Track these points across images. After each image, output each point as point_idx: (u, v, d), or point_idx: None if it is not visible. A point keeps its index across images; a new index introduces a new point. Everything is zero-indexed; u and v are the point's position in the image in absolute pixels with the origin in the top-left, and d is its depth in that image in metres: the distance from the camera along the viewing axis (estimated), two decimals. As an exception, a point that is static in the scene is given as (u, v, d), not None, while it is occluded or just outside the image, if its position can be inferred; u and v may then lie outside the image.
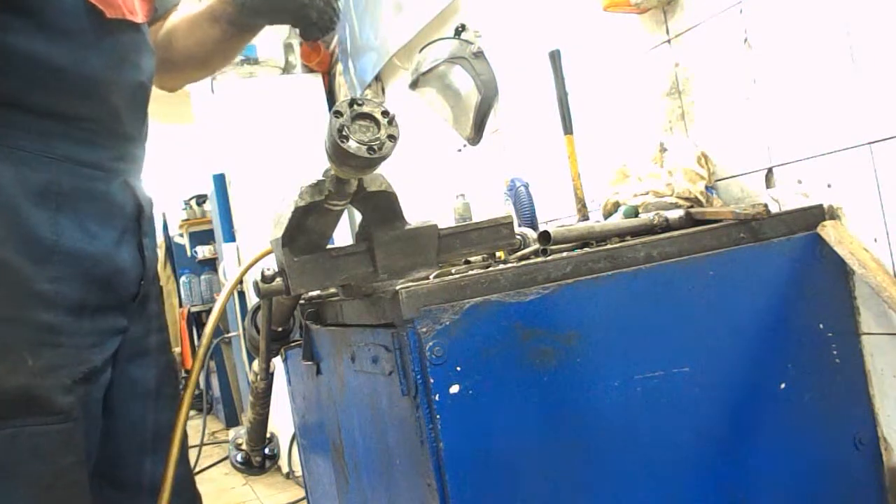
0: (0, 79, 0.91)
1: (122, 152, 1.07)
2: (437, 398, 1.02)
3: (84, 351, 0.97)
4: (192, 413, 1.17)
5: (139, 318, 1.10)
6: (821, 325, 1.25)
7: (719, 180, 1.54)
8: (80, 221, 0.97)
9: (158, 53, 1.22)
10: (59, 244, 0.94)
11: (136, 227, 1.08)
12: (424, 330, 1.03)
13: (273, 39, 4.03)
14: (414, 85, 2.37)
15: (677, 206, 1.40)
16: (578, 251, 1.22)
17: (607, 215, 1.53)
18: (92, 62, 0.99)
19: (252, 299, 2.93)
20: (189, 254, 6.16)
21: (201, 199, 6.06)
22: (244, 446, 1.61)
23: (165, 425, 1.10)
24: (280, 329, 1.53)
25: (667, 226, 1.35)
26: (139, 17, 1.09)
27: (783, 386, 1.21)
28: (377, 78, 3.32)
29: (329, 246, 1.15)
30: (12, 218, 0.90)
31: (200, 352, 1.20)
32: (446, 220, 2.23)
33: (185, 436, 1.16)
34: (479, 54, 2.30)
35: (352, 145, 0.96)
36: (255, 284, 1.11)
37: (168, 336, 1.19)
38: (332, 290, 1.38)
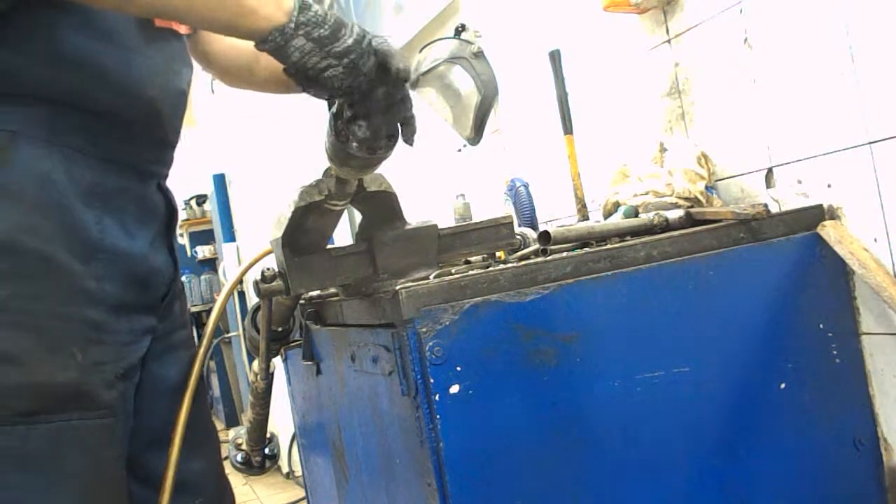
0: (50, 75, 0.93)
1: (160, 156, 1.10)
2: (437, 398, 1.02)
3: (123, 348, 0.99)
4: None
5: (166, 317, 1.12)
6: (821, 325, 1.25)
7: (719, 180, 1.54)
8: (122, 222, 1.00)
9: (238, 65, 1.30)
10: (104, 243, 0.96)
11: (167, 229, 1.11)
12: (424, 330, 1.03)
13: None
14: (414, 85, 2.37)
15: (677, 206, 1.40)
16: (578, 251, 1.22)
17: (607, 215, 1.53)
18: (139, 66, 1.01)
19: (252, 299, 2.93)
20: (189, 254, 6.16)
21: (201, 199, 6.06)
22: (244, 446, 1.61)
23: (190, 422, 1.12)
24: (280, 329, 1.53)
25: (667, 226, 1.35)
26: (182, 29, 1.13)
27: (783, 386, 1.21)
28: (377, 78, 3.31)
29: (329, 246, 1.15)
30: (63, 216, 0.92)
31: (200, 352, 1.20)
32: (446, 220, 2.23)
33: (208, 431, 1.20)
34: (479, 54, 2.30)
35: (352, 145, 0.96)
36: (255, 284, 1.11)
37: (191, 332, 1.21)
38: (332, 290, 1.38)
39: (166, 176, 1.13)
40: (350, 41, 0.89)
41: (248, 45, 1.29)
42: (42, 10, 0.92)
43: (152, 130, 1.06)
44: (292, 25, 0.87)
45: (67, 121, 0.94)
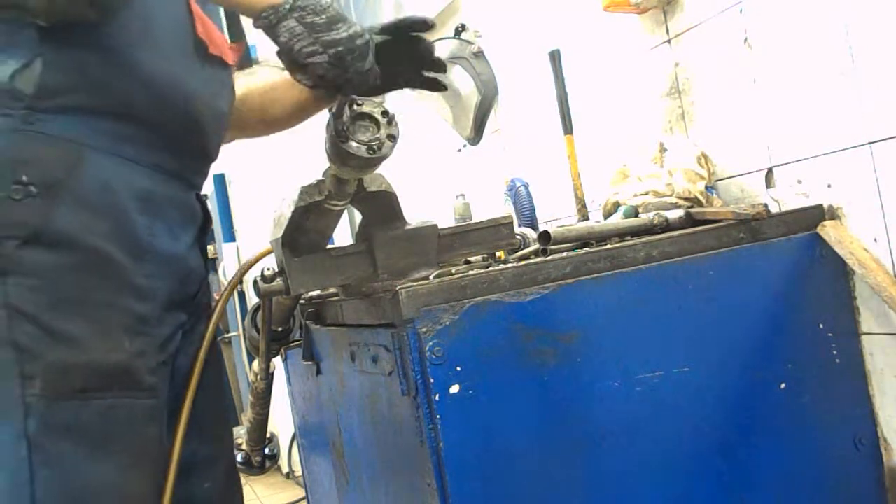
0: (114, 90, 1.01)
1: (201, 168, 1.19)
2: (437, 398, 1.02)
3: (164, 342, 1.06)
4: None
5: (193, 312, 1.19)
6: (821, 325, 1.25)
7: (719, 180, 1.54)
8: (169, 226, 1.08)
9: (250, 109, 1.40)
10: (153, 245, 1.04)
11: (202, 235, 1.19)
12: (424, 330, 1.03)
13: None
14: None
15: (677, 206, 1.40)
16: (578, 251, 1.22)
17: (607, 215, 1.53)
18: (192, 85, 1.10)
19: (252, 299, 2.93)
20: (189, 254, 6.14)
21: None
22: (244, 446, 1.61)
23: (205, 408, 1.18)
24: (280, 329, 1.53)
25: (667, 226, 1.35)
26: (230, 60, 1.23)
27: (783, 386, 1.21)
28: (377, 78, 3.31)
29: (329, 246, 1.15)
30: (120, 219, 1.00)
31: (201, 352, 1.20)
32: (446, 220, 2.23)
33: (224, 422, 1.28)
34: (479, 54, 2.30)
35: (352, 145, 0.96)
36: (255, 284, 1.11)
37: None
38: (332, 290, 1.38)
39: (201, 189, 1.22)
40: (344, 35, 0.94)
41: (257, 86, 1.38)
42: (106, 28, 1.00)
43: (196, 143, 1.15)
44: (287, 7, 0.93)
45: (125, 132, 1.02)
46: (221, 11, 1.29)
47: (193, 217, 1.16)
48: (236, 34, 1.34)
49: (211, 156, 1.21)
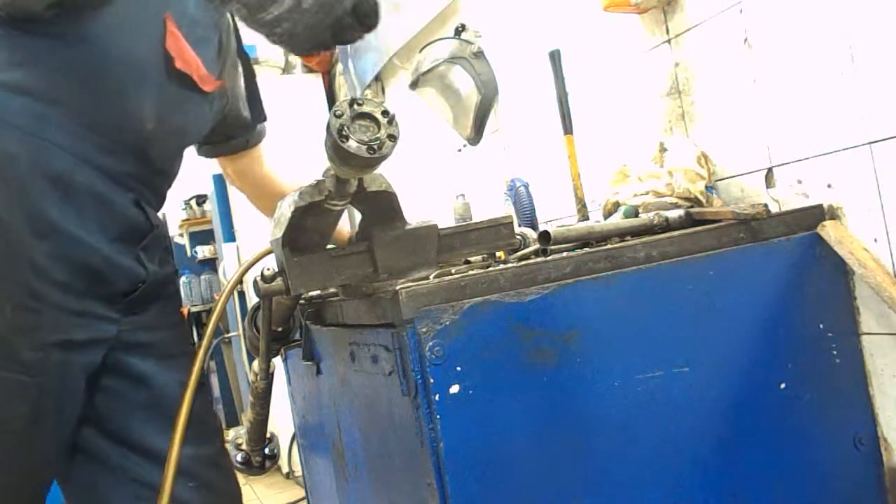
0: (55, 74, 1.02)
1: (143, 175, 1.16)
2: (437, 398, 1.02)
3: (64, 321, 1.04)
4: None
5: (136, 313, 1.17)
6: (821, 325, 1.25)
7: (719, 180, 1.54)
8: (82, 214, 1.06)
9: (248, 180, 1.63)
10: (60, 226, 1.03)
11: (136, 240, 1.16)
12: (424, 330, 1.02)
13: (273, 39, 4.02)
14: (414, 85, 2.37)
15: (677, 206, 1.40)
16: (578, 251, 1.22)
17: (607, 215, 1.53)
18: (142, 89, 1.11)
19: (252, 299, 2.93)
20: (189, 254, 6.15)
21: (201, 199, 6.05)
22: (244, 446, 1.61)
23: (162, 405, 1.18)
24: (280, 329, 1.53)
25: (667, 226, 1.35)
26: (205, 86, 1.20)
27: (783, 386, 1.21)
28: (377, 78, 3.32)
29: (329, 246, 1.15)
30: (23, 192, 0.99)
31: (200, 352, 1.20)
32: (446, 220, 2.23)
33: (204, 422, 1.25)
34: (479, 54, 2.30)
35: (352, 145, 0.96)
36: (255, 284, 1.11)
37: (177, 335, 1.27)
38: (332, 290, 1.38)
39: (153, 198, 1.20)
40: (283, 7, 0.91)
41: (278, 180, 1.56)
42: (67, 21, 1.01)
43: (138, 147, 1.13)
44: None
45: (53, 117, 1.02)
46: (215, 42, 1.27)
47: (117, 219, 1.12)
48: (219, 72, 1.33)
49: (156, 165, 1.19)
